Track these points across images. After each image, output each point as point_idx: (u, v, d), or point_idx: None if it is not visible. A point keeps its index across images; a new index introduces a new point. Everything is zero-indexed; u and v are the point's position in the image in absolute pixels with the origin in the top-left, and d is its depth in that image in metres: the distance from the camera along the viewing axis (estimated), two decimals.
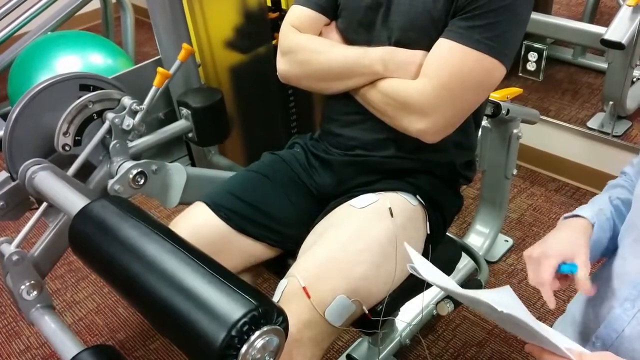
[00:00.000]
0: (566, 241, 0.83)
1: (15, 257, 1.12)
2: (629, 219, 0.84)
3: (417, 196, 1.11)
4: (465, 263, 1.77)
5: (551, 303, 0.77)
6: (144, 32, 3.16)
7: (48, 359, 1.68)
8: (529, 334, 0.70)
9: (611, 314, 0.80)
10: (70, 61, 2.05)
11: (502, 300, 0.68)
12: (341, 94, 1.11)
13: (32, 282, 1.16)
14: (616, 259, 0.85)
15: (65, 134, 1.22)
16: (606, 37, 1.84)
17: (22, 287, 1.15)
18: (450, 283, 0.78)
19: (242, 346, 0.64)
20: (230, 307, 0.65)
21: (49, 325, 1.15)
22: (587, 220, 0.86)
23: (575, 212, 0.89)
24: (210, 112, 1.48)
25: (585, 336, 0.85)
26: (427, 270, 0.79)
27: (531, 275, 0.81)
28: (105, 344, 1.53)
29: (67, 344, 1.09)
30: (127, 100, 1.26)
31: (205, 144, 1.60)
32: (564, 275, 0.80)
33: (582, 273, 0.78)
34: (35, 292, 1.16)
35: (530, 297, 1.70)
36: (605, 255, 0.90)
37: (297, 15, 1.13)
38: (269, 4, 1.78)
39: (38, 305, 1.18)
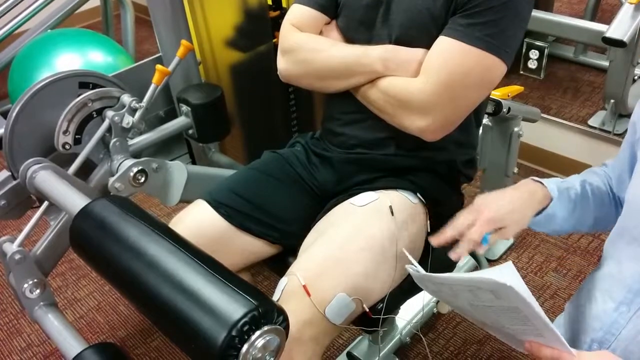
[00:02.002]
0: (509, 206, 0.87)
1: (17, 256, 1.12)
2: (621, 222, 0.84)
3: (418, 194, 1.11)
4: (465, 261, 1.77)
5: (454, 255, 0.85)
6: (144, 29, 3.15)
7: (49, 357, 1.69)
8: (523, 329, 0.69)
9: (607, 318, 0.80)
10: (70, 59, 2.05)
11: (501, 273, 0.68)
12: (342, 92, 1.10)
13: (35, 280, 1.16)
14: (610, 261, 0.85)
15: (65, 132, 1.22)
16: (608, 34, 1.84)
17: (25, 285, 1.15)
18: (448, 284, 0.78)
19: (242, 346, 0.64)
20: (231, 307, 0.65)
21: (53, 323, 1.15)
22: (547, 191, 0.90)
23: (543, 180, 0.93)
24: (210, 108, 1.48)
25: (580, 337, 0.85)
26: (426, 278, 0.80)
27: (461, 220, 0.86)
28: (108, 342, 1.54)
29: (70, 342, 1.09)
30: (126, 98, 1.26)
31: (206, 140, 1.60)
32: None
33: (484, 248, 0.85)
34: (38, 291, 1.17)
35: None
36: (557, 231, 0.94)
37: (297, 14, 1.13)
38: (269, 2, 1.77)
39: (41, 303, 1.18)
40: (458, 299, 0.77)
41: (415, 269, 0.81)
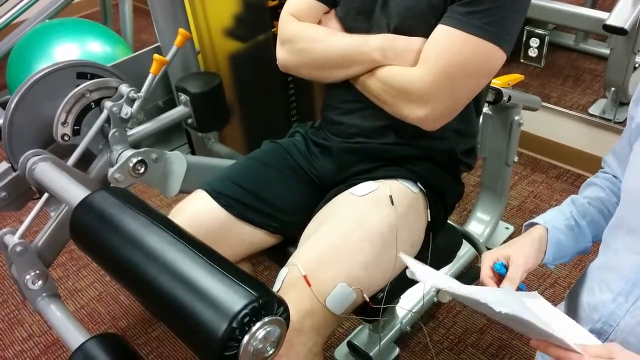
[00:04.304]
0: (511, 245, 0.90)
1: (19, 248, 1.12)
2: (619, 213, 0.84)
3: (418, 184, 1.10)
4: (466, 250, 1.77)
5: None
6: (142, 19, 3.13)
7: (50, 347, 1.70)
8: (532, 330, 0.70)
9: (605, 309, 0.80)
10: (69, 49, 2.04)
11: (502, 299, 0.69)
12: (341, 82, 1.10)
13: (37, 271, 1.16)
14: (608, 251, 0.85)
15: (63, 123, 1.22)
16: (608, 22, 1.82)
17: (27, 277, 1.16)
18: (451, 283, 0.78)
19: (243, 337, 0.65)
20: (231, 298, 0.65)
21: (55, 314, 1.16)
22: (540, 225, 0.92)
23: (532, 220, 0.95)
24: (209, 97, 1.47)
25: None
26: (424, 275, 0.81)
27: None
28: (110, 332, 1.55)
29: (73, 333, 1.10)
30: (124, 88, 1.25)
31: (205, 129, 1.59)
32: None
33: (509, 274, 0.85)
34: (40, 282, 1.17)
35: (530, 285, 1.71)
36: (581, 252, 0.95)
37: (296, 4, 1.12)
38: None
39: (44, 294, 1.18)
40: (459, 298, 0.78)
41: (414, 273, 0.83)
